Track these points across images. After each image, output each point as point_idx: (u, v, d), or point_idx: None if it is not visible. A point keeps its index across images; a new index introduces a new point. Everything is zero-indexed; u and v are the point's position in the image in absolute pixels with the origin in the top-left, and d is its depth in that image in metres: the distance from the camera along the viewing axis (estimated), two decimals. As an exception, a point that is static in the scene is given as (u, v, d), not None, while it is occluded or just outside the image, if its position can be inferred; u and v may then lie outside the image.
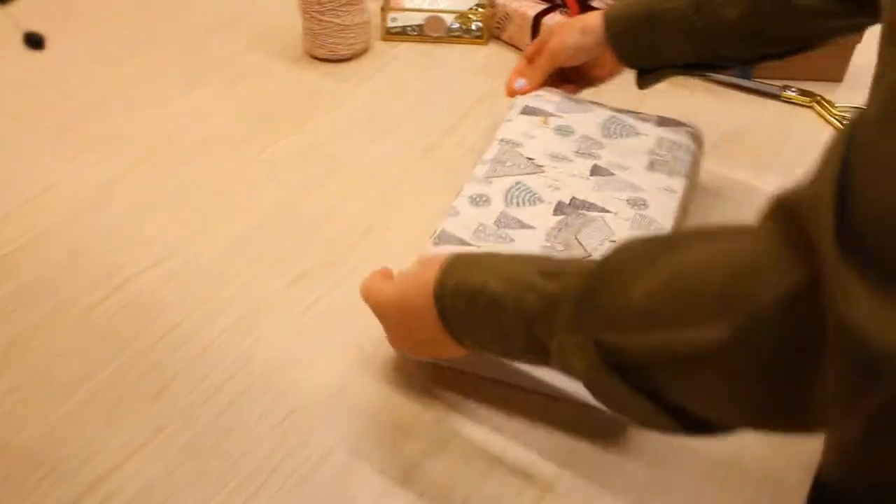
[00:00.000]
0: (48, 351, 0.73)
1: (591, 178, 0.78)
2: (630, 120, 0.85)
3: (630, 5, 0.79)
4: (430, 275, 0.59)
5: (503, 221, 0.74)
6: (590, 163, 0.79)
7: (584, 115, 0.85)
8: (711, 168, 0.91)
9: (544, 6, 1.07)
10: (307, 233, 0.84)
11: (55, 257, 0.82)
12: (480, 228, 0.74)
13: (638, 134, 0.83)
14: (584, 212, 0.75)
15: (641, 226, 0.73)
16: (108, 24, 1.16)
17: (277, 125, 0.98)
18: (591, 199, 0.76)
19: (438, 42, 1.12)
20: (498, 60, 1.10)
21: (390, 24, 1.12)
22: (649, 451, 0.65)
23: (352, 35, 1.05)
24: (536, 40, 0.90)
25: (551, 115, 0.84)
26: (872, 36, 1.12)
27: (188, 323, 0.76)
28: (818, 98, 1.03)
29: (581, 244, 0.72)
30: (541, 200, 0.76)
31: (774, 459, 0.65)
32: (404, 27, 1.12)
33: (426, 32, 1.11)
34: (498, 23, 1.11)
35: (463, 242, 0.73)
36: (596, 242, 0.72)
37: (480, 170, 0.79)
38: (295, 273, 0.80)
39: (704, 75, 1.06)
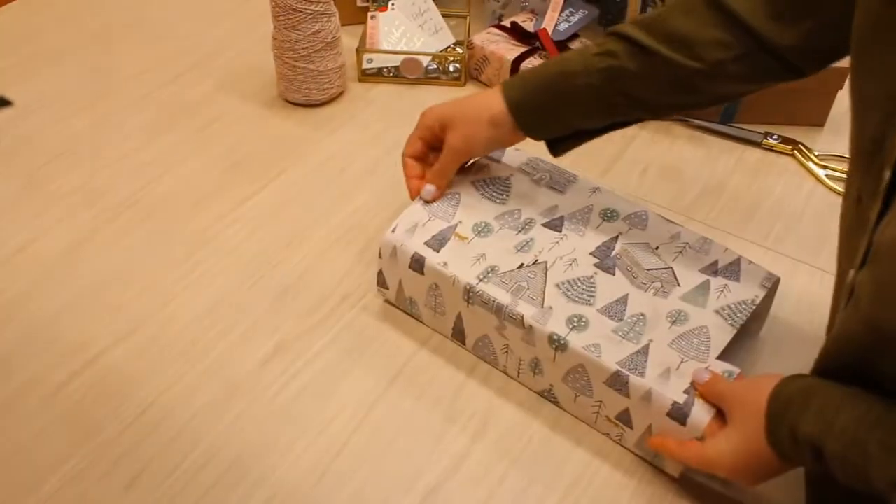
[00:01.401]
0: (13, 436, 0.71)
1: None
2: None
3: (531, 87, 0.74)
4: (758, 426, 0.57)
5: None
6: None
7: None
8: (693, 221, 0.91)
9: (523, 49, 1.05)
10: (280, 301, 0.82)
11: (23, 328, 0.79)
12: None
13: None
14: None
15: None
16: (73, 63, 1.12)
17: (249, 177, 0.96)
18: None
19: (415, 84, 1.10)
20: (476, 103, 1.07)
21: (366, 65, 1.09)
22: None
23: (326, 80, 1.03)
24: (417, 132, 0.80)
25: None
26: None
27: (159, 404, 0.73)
28: (799, 146, 1.02)
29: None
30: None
31: None
32: (380, 69, 1.10)
33: (403, 74, 1.09)
34: (476, 65, 1.09)
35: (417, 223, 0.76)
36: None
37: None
38: (268, 347, 0.78)
39: (684, 121, 1.04)
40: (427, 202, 0.79)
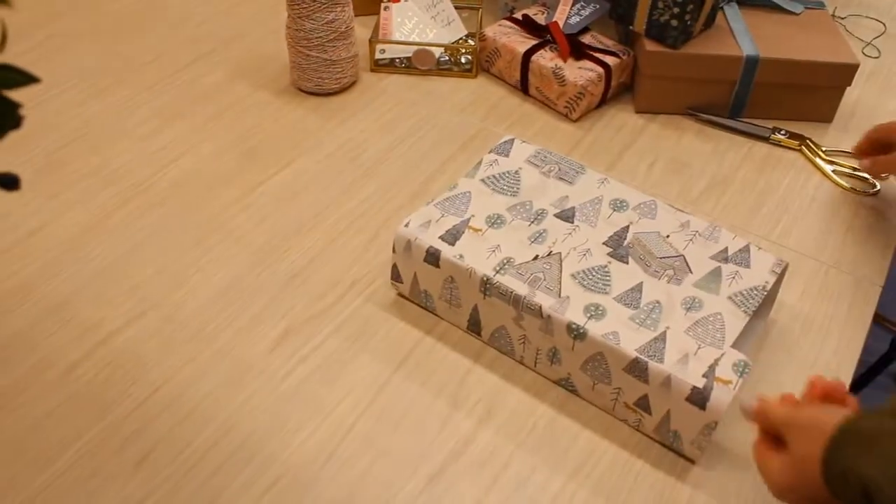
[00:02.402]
0: (27, 415, 0.72)
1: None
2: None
3: None
4: (815, 457, 0.55)
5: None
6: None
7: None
8: (699, 214, 0.91)
9: (534, 42, 1.06)
10: (290, 285, 0.84)
11: (38, 308, 0.80)
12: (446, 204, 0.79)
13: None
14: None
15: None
16: (91, 49, 1.13)
17: (261, 164, 0.97)
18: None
19: (427, 75, 1.10)
20: (486, 96, 1.08)
21: (378, 55, 1.10)
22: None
23: (339, 69, 1.04)
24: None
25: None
26: (861, 78, 1.12)
27: (170, 385, 0.75)
28: (806, 140, 1.02)
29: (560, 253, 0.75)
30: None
31: None
32: (393, 59, 1.10)
33: (415, 65, 1.10)
34: (487, 57, 1.10)
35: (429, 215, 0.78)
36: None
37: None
38: (279, 331, 0.79)
39: (693, 115, 1.05)
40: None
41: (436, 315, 0.81)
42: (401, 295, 0.83)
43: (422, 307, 0.81)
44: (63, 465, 0.69)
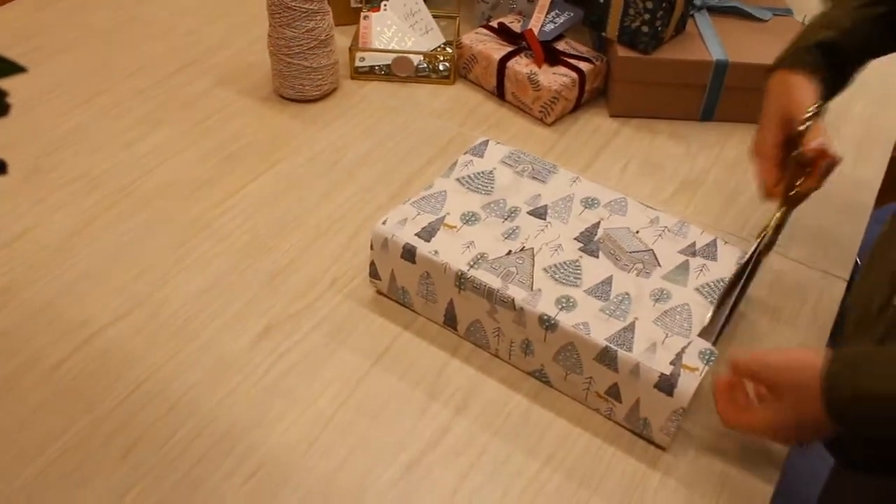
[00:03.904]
0: (13, 411, 0.73)
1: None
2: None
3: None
4: (809, 395, 0.61)
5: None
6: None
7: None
8: (672, 214, 0.94)
9: (509, 49, 1.09)
10: (271, 284, 0.86)
11: (24, 309, 0.82)
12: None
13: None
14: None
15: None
16: (77, 59, 1.15)
17: (244, 168, 0.99)
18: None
19: (406, 82, 1.13)
20: (464, 102, 1.11)
21: (358, 63, 1.13)
22: None
23: (320, 76, 1.06)
24: (773, 128, 0.80)
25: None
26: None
27: (154, 380, 0.76)
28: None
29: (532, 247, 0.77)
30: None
31: None
32: (372, 66, 1.13)
33: (394, 72, 1.12)
34: (464, 63, 1.13)
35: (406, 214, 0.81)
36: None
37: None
38: (259, 328, 0.81)
39: (665, 118, 1.08)
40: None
41: (413, 311, 0.83)
42: (379, 292, 0.85)
43: (399, 303, 0.84)
44: (50, 457, 0.70)
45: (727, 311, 0.75)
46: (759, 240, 0.79)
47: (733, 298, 0.76)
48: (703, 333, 0.71)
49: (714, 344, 0.71)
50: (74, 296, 0.84)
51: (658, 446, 0.72)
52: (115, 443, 0.72)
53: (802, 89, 0.77)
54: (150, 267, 0.87)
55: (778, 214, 0.79)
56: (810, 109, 0.75)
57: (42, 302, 0.83)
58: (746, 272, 0.78)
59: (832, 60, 0.79)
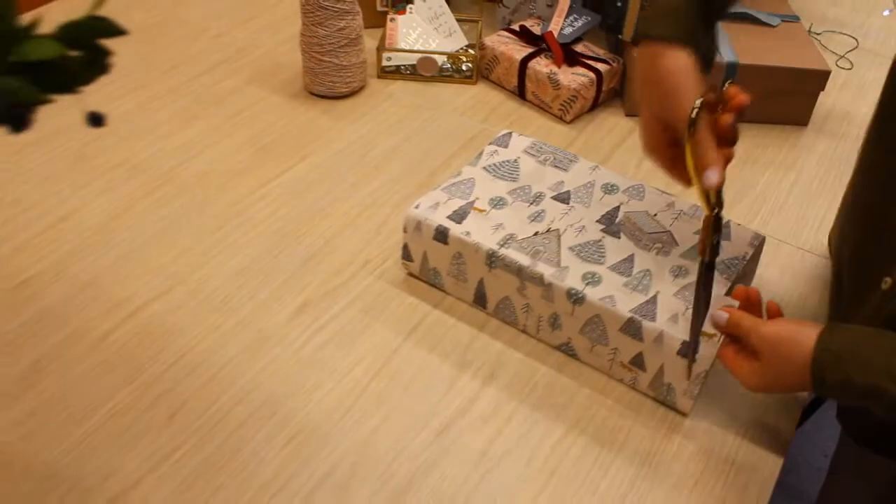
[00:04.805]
0: (64, 377, 0.77)
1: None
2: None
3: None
4: (796, 372, 0.65)
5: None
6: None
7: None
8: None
9: (530, 50, 1.14)
10: (306, 266, 0.90)
11: (67, 287, 0.86)
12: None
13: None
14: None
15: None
16: (118, 54, 1.20)
17: (276, 159, 1.04)
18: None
19: (430, 81, 1.18)
20: (486, 100, 1.16)
21: (385, 63, 1.18)
22: (626, 475, 0.71)
23: (349, 74, 1.11)
24: (652, 122, 0.71)
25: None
26: (835, 87, 1.20)
27: (196, 352, 0.81)
28: (785, 141, 1.09)
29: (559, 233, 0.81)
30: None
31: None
32: (398, 66, 1.18)
33: (419, 72, 1.17)
34: (486, 64, 1.18)
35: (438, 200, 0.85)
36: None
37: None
38: (295, 305, 0.85)
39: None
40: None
41: (443, 291, 0.87)
42: (410, 274, 0.89)
43: (430, 284, 0.88)
44: (99, 419, 0.74)
45: (700, 326, 0.74)
46: (701, 260, 0.73)
47: (702, 313, 0.74)
48: (682, 352, 0.73)
49: (693, 360, 0.73)
50: (118, 274, 0.88)
51: (679, 412, 0.76)
52: (160, 407, 0.75)
53: (680, 78, 0.67)
54: (189, 248, 0.91)
55: (707, 213, 0.71)
56: (695, 105, 0.66)
57: (88, 279, 0.87)
58: (703, 281, 0.73)
59: (707, 22, 0.70)
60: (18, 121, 0.37)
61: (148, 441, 0.73)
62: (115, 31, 0.40)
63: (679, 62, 0.68)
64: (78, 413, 0.75)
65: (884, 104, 0.75)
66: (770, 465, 0.74)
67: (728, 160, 0.68)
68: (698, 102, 0.66)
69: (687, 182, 0.71)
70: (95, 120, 0.41)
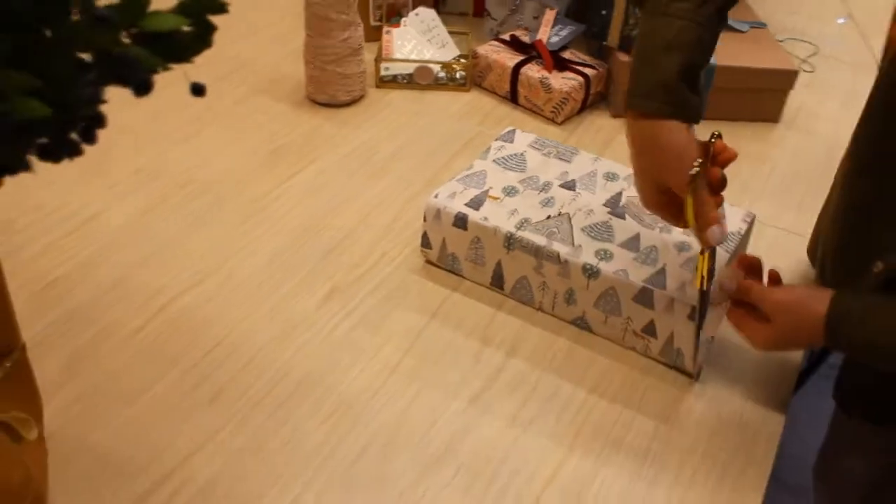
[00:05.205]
0: (105, 367, 0.80)
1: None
2: None
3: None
4: (809, 332, 0.71)
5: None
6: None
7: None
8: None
9: (521, 58, 1.21)
10: (328, 257, 0.94)
11: (99, 282, 0.89)
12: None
13: None
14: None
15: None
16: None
17: (286, 162, 1.09)
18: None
19: (426, 89, 1.24)
20: (480, 106, 1.23)
21: (383, 73, 1.24)
22: (647, 431, 0.77)
23: (351, 83, 1.17)
24: (652, 186, 0.74)
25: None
26: (801, 89, 1.28)
27: (230, 339, 0.84)
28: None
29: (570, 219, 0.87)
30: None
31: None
32: (395, 76, 1.24)
33: (416, 80, 1.24)
34: (479, 72, 1.24)
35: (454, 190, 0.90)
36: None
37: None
38: (322, 293, 0.90)
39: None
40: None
41: (461, 276, 0.92)
42: (428, 261, 0.94)
43: (447, 270, 0.93)
44: (145, 402, 0.77)
45: (699, 342, 0.79)
46: (700, 287, 0.76)
47: (699, 332, 0.78)
48: (691, 317, 0.79)
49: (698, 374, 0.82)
50: (146, 270, 0.91)
51: (689, 374, 0.82)
52: (201, 391, 0.79)
53: (679, 149, 0.71)
54: (214, 244, 0.95)
55: (701, 257, 0.76)
56: (694, 170, 0.70)
57: (116, 276, 0.90)
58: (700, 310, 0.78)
59: (693, 85, 0.72)
60: (144, 86, 0.42)
61: (193, 422, 0.76)
62: (221, 8, 0.45)
63: (676, 135, 0.71)
64: (121, 399, 0.77)
65: (875, 98, 0.78)
66: (773, 422, 0.80)
67: (720, 204, 0.73)
68: (697, 164, 0.70)
69: (685, 226, 0.75)
70: (197, 90, 0.45)
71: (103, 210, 0.99)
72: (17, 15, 0.33)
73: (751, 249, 0.97)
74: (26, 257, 0.91)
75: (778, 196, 1.10)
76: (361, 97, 1.21)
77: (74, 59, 0.35)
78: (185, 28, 0.44)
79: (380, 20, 1.31)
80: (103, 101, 0.41)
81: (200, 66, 1.29)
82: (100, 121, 0.41)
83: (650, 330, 0.81)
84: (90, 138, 0.40)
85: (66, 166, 1.06)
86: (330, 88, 1.17)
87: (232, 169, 1.07)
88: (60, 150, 0.38)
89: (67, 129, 0.38)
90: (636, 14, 1.15)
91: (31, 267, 0.91)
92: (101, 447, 0.73)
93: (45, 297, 0.88)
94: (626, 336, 0.84)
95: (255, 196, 1.03)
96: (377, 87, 1.24)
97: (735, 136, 1.20)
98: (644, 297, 0.80)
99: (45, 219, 0.97)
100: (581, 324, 0.86)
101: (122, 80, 0.40)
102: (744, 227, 0.88)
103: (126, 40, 0.41)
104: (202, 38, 0.44)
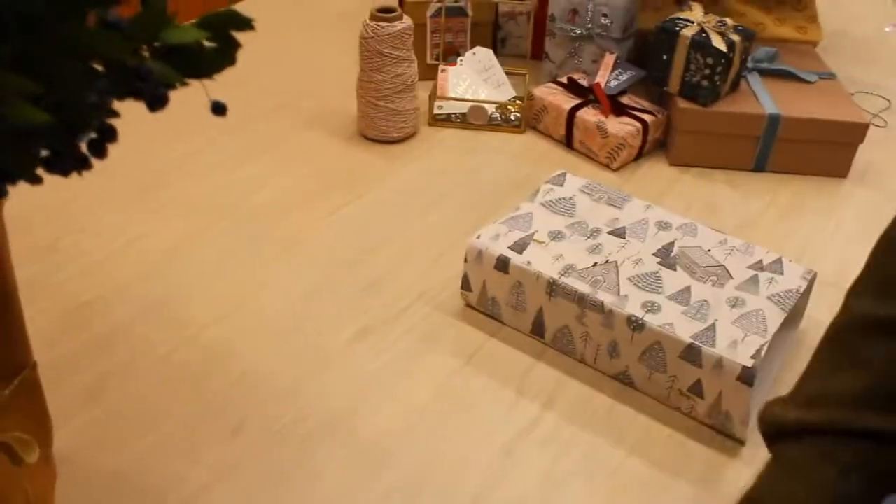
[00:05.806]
0: (130, 391, 0.79)
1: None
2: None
3: None
4: None
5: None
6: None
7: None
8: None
9: (578, 101, 1.18)
10: (363, 294, 0.92)
11: (133, 306, 0.89)
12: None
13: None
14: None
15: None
16: (184, 96, 1.26)
17: (333, 196, 1.07)
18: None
19: (480, 129, 1.22)
20: (534, 148, 1.20)
21: (437, 111, 1.22)
22: (689, 498, 0.72)
23: (403, 119, 1.16)
24: None
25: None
26: (871, 144, 1.23)
27: (258, 370, 0.82)
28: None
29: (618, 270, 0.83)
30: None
31: None
32: (449, 114, 1.23)
33: (469, 120, 1.22)
34: (535, 114, 1.22)
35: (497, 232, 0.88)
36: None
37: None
38: (355, 329, 0.87)
39: (722, 168, 1.16)
40: None
41: (500, 321, 0.89)
42: (468, 305, 0.91)
43: (487, 314, 0.90)
44: (166, 429, 0.76)
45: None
46: None
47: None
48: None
49: None
50: (181, 296, 0.90)
51: (737, 439, 0.77)
52: (225, 420, 0.77)
53: None
54: (250, 275, 0.94)
55: None
56: None
57: (151, 302, 0.90)
58: None
59: None
60: (158, 100, 0.40)
61: (213, 454, 0.74)
62: (246, 24, 0.43)
63: None
64: (142, 425, 0.76)
65: None
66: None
67: None
68: None
69: None
70: (218, 108, 0.44)
71: (146, 234, 0.99)
72: (26, 17, 0.31)
73: (811, 309, 0.91)
74: (64, 277, 0.91)
75: (842, 255, 1.03)
76: (413, 134, 1.20)
77: (81, 66, 0.34)
78: (206, 43, 0.42)
79: (436, 59, 1.30)
80: (112, 113, 0.39)
81: (245, 103, 1.31)
82: (111, 134, 0.39)
83: (697, 390, 0.76)
84: (100, 152, 0.39)
85: (116, 191, 1.07)
86: (381, 124, 1.16)
87: (277, 200, 1.06)
88: (66, 161, 0.36)
89: (72, 139, 0.36)
90: (697, 59, 1.11)
91: (67, 287, 0.91)
92: (117, 473, 0.72)
93: (77, 317, 0.87)
94: (670, 395, 0.79)
95: (297, 228, 1.01)
96: (430, 125, 1.23)
97: (800, 190, 1.14)
98: (691, 354, 0.75)
99: (87, 241, 0.97)
100: (624, 379, 0.82)
101: (136, 94, 0.38)
102: (803, 284, 0.83)
103: (145, 53, 0.39)
104: (224, 53, 0.43)
